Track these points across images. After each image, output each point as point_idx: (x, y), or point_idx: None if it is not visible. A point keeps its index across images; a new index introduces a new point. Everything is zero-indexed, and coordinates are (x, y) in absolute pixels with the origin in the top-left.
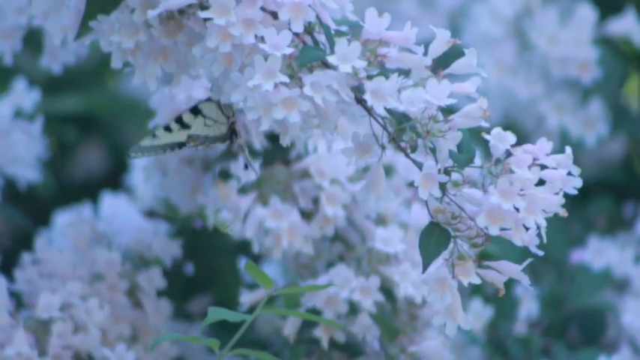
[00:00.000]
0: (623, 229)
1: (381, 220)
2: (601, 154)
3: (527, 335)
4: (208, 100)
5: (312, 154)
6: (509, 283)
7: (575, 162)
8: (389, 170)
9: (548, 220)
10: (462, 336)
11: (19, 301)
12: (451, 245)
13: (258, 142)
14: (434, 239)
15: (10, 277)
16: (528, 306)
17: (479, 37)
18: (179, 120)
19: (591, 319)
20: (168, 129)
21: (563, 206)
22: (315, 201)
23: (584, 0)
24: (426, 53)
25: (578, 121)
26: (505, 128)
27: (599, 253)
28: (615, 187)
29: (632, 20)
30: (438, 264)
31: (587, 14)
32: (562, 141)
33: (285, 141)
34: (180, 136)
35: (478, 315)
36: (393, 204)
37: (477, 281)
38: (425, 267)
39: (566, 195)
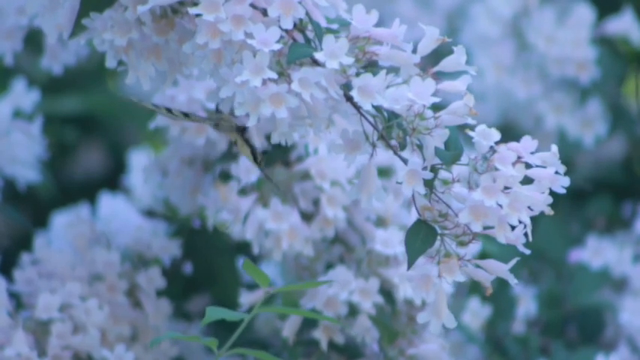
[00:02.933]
0: (622, 229)
1: (381, 222)
2: (599, 154)
3: (525, 334)
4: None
5: (313, 156)
6: (508, 282)
7: (574, 162)
8: (388, 171)
9: (546, 219)
10: (460, 335)
11: (18, 302)
12: (437, 243)
13: (259, 143)
14: (420, 237)
15: (9, 277)
16: (526, 305)
17: (477, 37)
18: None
19: (590, 318)
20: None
21: (562, 206)
22: (316, 202)
23: (582, 0)
24: (415, 51)
25: (577, 121)
26: (503, 129)
27: (598, 253)
28: (614, 187)
29: (630, 20)
30: (423, 261)
31: (584, 14)
32: (560, 141)
33: (274, 138)
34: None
35: (476, 314)
36: (393, 206)
37: (462, 279)
38: (410, 264)
39: (564, 195)
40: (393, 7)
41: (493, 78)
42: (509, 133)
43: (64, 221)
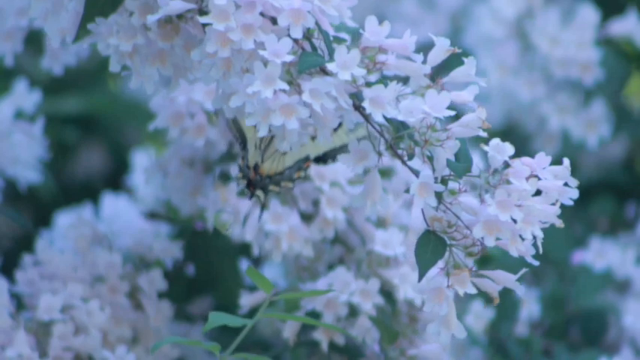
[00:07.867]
0: (625, 230)
1: (381, 223)
2: (603, 155)
3: (528, 336)
4: None
5: None
6: None
7: (577, 163)
8: (389, 173)
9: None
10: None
11: (19, 303)
12: (447, 254)
13: None
14: (430, 248)
15: (11, 278)
16: (529, 307)
17: (480, 38)
18: None
19: (592, 320)
20: None
21: (565, 207)
22: (315, 203)
23: (586, 1)
24: (425, 61)
25: (580, 123)
26: (507, 130)
27: (601, 254)
28: (617, 188)
29: (634, 21)
30: (434, 273)
31: (589, 15)
32: (564, 142)
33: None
34: None
35: (479, 316)
36: (393, 206)
37: (473, 291)
38: (421, 276)
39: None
40: (396, 7)
41: (497, 79)
42: (513, 134)
43: (67, 221)
